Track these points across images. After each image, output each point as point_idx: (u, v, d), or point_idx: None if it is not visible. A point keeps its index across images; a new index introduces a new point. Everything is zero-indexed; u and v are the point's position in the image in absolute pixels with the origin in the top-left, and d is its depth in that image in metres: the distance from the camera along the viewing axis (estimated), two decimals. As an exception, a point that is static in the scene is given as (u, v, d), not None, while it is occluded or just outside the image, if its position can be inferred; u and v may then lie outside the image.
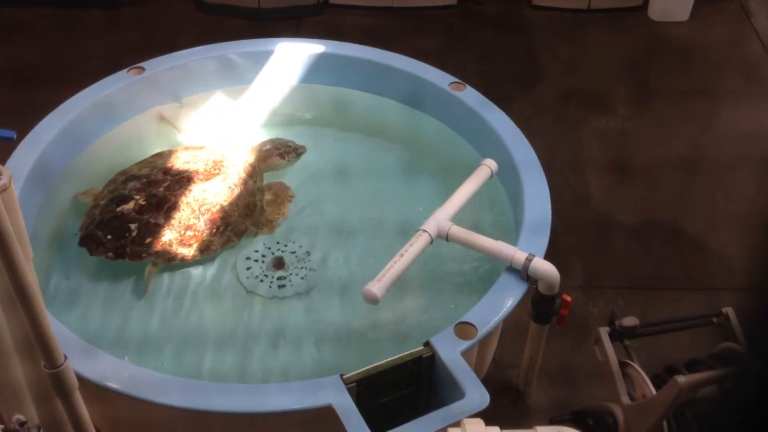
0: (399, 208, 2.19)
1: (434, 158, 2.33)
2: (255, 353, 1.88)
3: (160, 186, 2.09)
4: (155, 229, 2.01)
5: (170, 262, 2.00)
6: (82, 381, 1.38)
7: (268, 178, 2.25)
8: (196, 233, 2.03)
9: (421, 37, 3.16)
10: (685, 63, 3.12)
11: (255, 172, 2.20)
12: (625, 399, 1.74)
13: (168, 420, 1.67)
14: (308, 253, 2.08)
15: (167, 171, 2.14)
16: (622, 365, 1.77)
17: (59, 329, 1.63)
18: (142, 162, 2.21)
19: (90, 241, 2.01)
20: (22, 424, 1.17)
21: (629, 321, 1.79)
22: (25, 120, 2.12)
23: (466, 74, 2.37)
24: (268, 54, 2.41)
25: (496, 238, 1.82)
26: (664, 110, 2.91)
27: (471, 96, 2.26)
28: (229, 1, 3.21)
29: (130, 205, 2.05)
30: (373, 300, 1.70)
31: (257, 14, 3.22)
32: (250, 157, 2.22)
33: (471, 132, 2.26)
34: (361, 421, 1.51)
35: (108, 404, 1.70)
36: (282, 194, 2.19)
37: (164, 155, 2.22)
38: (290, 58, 2.42)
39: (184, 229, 2.03)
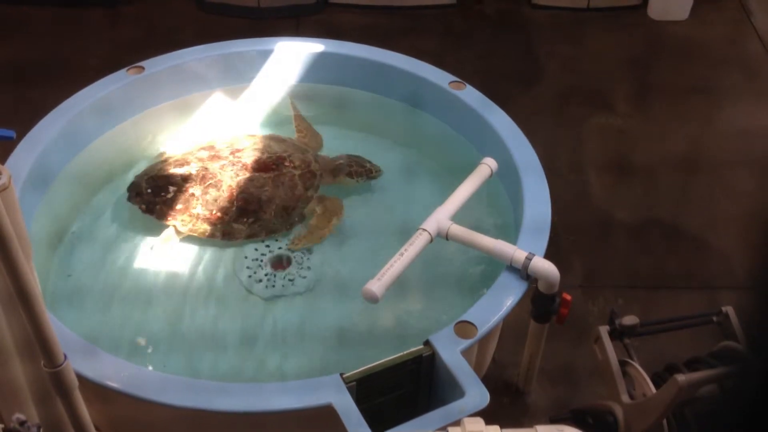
0: (399, 206, 2.19)
1: (434, 157, 2.33)
2: (255, 352, 1.88)
3: (217, 162, 2.13)
4: (189, 199, 2.08)
5: (191, 233, 2.05)
6: (83, 380, 1.38)
7: (333, 192, 2.19)
8: (225, 216, 2.06)
9: (421, 35, 3.16)
10: (684, 61, 3.12)
11: (313, 182, 2.15)
12: (625, 398, 1.74)
13: (168, 419, 1.67)
14: (308, 251, 2.07)
15: (234, 152, 2.17)
16: (622, 364, 1.77)
17: (59, 328, 1.63)
18: (233, 138, 2.24)
19: (133, 188, 2.13)
20: (22, 423, 1.17)
21: (629, 320, 1.79)
22: (25, 119, 2.12)
23: (465, 73, 2.37)
24: (267, 53, 2.41)
25: (496, 238, 1.82)
26: (664, 108, 2.91)
27: (471, 95, 2.25)
28: (228, 0, 3.21)
29: (182, 170, 2.13)
30: (372, 299, 1.70)
31: (257, 13, 3.22)
32: (315, 166, 2.17)
33: (471, 131, 2.26)
34: (361, 420, 1.51)
35: (108, 404, 1.70)
36: (330, 214, 2.12)
37: (252, 138, 2.24)
38: (290, 57, 2.42)
39: (216, 208, 2.06)
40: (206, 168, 2.13)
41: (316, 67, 2.42)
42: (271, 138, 2.26)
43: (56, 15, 3.20)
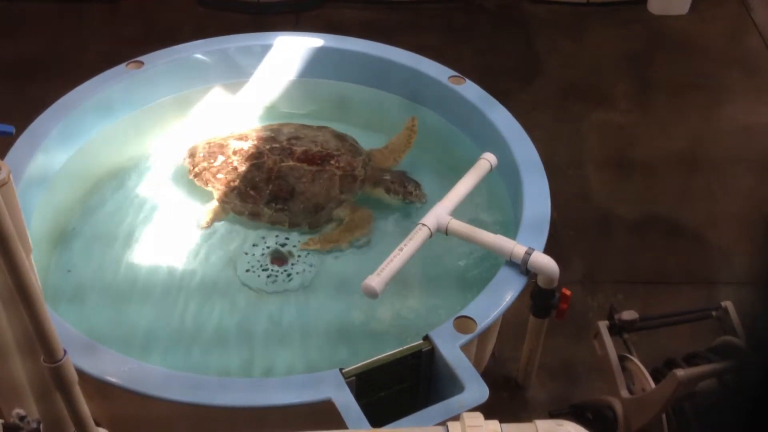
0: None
1: (434, 152, 2.33)
2: (254, 348, 1.88)
3: (270, 144, 2.17)
4: (231, 172, 2.13)
5: (222, 204, 2.12)
6: (83, 376, 1.38)
7: (375, 206, 2.17)
8: (256, 197, 2.09)
9: (421, 30, 3.16)
10: (684, 57, 3.12)
11: (351, 186, 2.13)
12: (624, 393, 1.74)
13: (168, 414, 1.67)
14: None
15: (291, 138, 2.18)
16: (621, 359, 1.77)
17: (59, 324, 1.63)
18: (299, 125, 2.26)
19: (191, 150, 2.22)
20: (21, 418, 1.17)
21: (628, 315, 1.80)
22: (24, 114, 2.12)
23: (465, 68, 2.37)
24: (267, 48, 2.41)
25: (496, 233, 1.82)
26: (664, 104, 2.91)
27: (470, 90, 2.25)
28: (228, -5, 3.21)
29: (238, 144, 2.18)
30: (372, 294, 1.70)
31: (256, 8, 3.22)
32: (360, 171, 2.15)
33: (470, 126, 2.26)
34: (361, 415, 1.51)
35: (109, 399, 1.70)
36: (353, 226, 2.10)
37: (317, 130, 2.24)
38: (289, 52, 2.42)
39: (250, 187, 2.10)
40: (258, 147, 2.16)
41: (316, 62, 2.42)
42: (334, 134, 2.24)
43: (56, 10, 3.19)
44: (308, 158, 2.13)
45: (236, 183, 2.12)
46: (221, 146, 2.20)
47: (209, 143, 2.22)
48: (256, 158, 2.14)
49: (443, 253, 2.04)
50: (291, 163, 2.12)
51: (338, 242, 2.06)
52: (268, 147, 2.16)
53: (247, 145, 2.18)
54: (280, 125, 2.28)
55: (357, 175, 2.14)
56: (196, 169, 2.17)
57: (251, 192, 2.10)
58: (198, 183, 2.16)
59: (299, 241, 2.08)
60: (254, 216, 2.10)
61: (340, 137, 2.23)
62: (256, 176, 2.11)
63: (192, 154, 2.21)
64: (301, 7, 3.23)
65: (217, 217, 2.12)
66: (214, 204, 2.14)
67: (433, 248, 2.01)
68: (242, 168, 2.14)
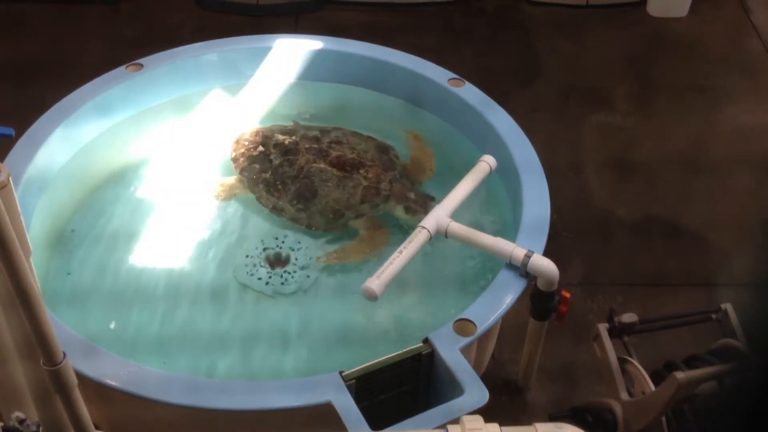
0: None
1: (433, 154, 2.33)
2: (254, 350, 1.88)
3: (310, 143, 2.19)
4: (264, 164, 2.17)
5: (250, 192, 2.16)
6: (82, 379, 1.38)
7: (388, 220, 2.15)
8: (281, 192, 2.11)
9: (420, 33, 3.16)
10: (684, 59, 3.12)
11: (374, 199, 2.11)
12: (624, 395, 1.74)
13: (167, 417, 1.67)
14: (308, 249, 2.07)
15: (332, 142, 2.20)
16: (621, 362, 1.77)
17: (59, 327, 1.63)
18: (349, 132, 2.28)
19: (239, 136, 2.26)
20: (21, 421, 1.17)
21: (628, 317, 1.80)
22: (24, 117, 2.12)
23: (465, 70, 2.37)
24: (266, 50, 2.41)
25: (495, 235, 1.82)
26: (664, 106, 2.91)
27: (470, 92, 2.25)
28: (227, -3, 3.21)
29: (281, 137, 2.23)
30: (372, 297, 1.70)
31: (256, 10, 3.22)
32: (386, 186, 2.13)
33: (470, 129, 2.26)
34: (361, 418, 1.51)
35: (108, 402, 1.70)
36: (371, 244, 2.08)
37: (363, 139, 2.25)
38: (289, 54, 2.42)
39: (279, 181, 2.12)
40: (298, 145, 2.19)
41: (316, 65, 2.42)
42: (377, 145, 2.23)
43: (55, 12, 3.19)
44: (339, 164, 2.14)
45: (267, 174, 2.15)
46: (266, 137, 2.24)
47: (256, 132, 2.26)
48: (292, 154, 2.17)
49: (443, 255, 2.04)
50: (322, 165, 2.14)
51: (352, 259, 2.05)
52: (307, 146, 2.19)
53: (289, 140, 2.21)
54: (333, 128, 2.29)
55: (381, 188, 2.13)
56: (235, 154, 2.22)
57: (279, 186, 2.13)
58: (233, 164, 2.20)
59: (307, 247, 2.07)
60: (277, 211, 2.12)
61: (383, 149, 2.23)
62: (287, 172, 2.14)
63: (238, 141, 2.25)
64: (301, 9, 3.24)
65: (231, 192, 2.17)
66: (233, 179, 2.19)
67: (433, 251, 2.01)
68: (276, 161, 2.16)
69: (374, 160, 2.17)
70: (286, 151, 2.18)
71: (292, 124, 2.33)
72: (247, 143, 2.23)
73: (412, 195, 2.14)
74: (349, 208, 2.09)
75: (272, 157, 2.18)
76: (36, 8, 3.20)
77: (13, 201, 1.14)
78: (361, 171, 2.13)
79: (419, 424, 1.50)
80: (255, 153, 2.19)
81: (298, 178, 2.12)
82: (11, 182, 1.13)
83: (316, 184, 2.11)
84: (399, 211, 2.12)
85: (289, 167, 2.14)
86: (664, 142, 2.76)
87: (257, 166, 2.17)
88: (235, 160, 2.22)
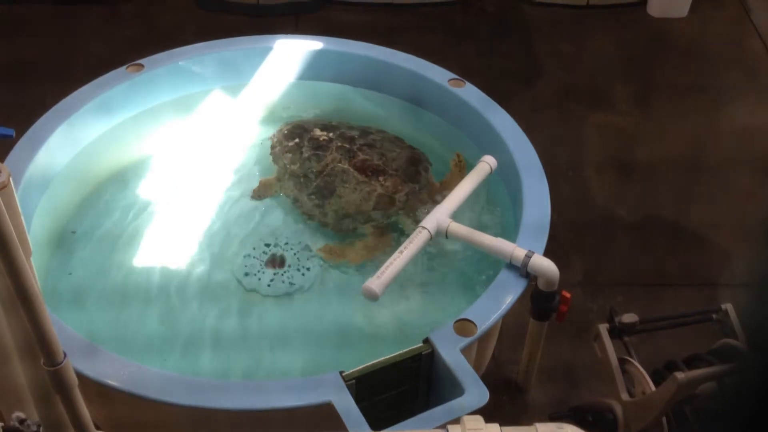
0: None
1: (434, 155, 2.33)
2: (254, 350, 1.88)
3: (344, 143, 2.20)
4: (294, 157, 2.20)
5: (276, 182, 2.21)
6: (83, 379, 1.38)
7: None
8: (304, 185, 2.15)
9: (421, 33, 3.16)
10: (684, 59, 3.12)
11: (386, 208, 2.10)
12: (625, 395, 1.74)
13: (168, 417, 1.67)
14: (308, 250, 2.07)
15: (363, 145, 2.20)
16: (622, 362, 1.77)
17: (59, 327, 1.63)
18: (388, 137, 2.27)
19: (279, 127, 2.31)
20: (21, 421, 1.17)
21: (628, 318, 1.80)
22: (24, 117, 2.12)
23: (465, 70, 2.37)
24: (267, 50, 2.41)
25: (496, 235, 1.82)
26: (664, 106, 2.91)
27: (470, 92, 2.25)
28: (228, -2, 3.21)
29: (318, 132, 2.25)
30: (372, 297, 1.70)
31: (256, 11, 3.22)
32: (401, 197, 2.11)
33: (470, 129, 2.26)
34: (361, 418, 1.51)
35: (109, 402, 1.70)
36: (372, 247, 2.07)
37: (399, 146, 2.24)
38: (289, 54, 2.42)
39: (302, 176, 2.16)
40: (331, 142, 2.20)
41: (316, 65, 2.42)
42: (409, 156, 2.20)
43: (56, 12, 3.19)
44: (362, 167, 2.14)
45: (295, 166, 2.17)
46: (304, 129, 2.26)
47: (297, 124, 2.30)
48: (322, 150, 2.18)
49: (443, 255, 2.04)
50: (346, 166, 2.14)
51: (350, 259, 2.05)
52: (338, 144, 2.20)
53: (324, 137, 2.23)
54: (376, 131, 2.28)
55: (396, 199, 2.11)
56: (273, 142, 2.27)
57: (302, 179, 2.15)
58: (271, 157, 2.24)
59: (308, 244, 2.07)
60: (297, 202, 2.15)
61: (414, 161, 2.20)
62: (313, 167, 2.16)
63: (280, 130, 2.29)
64: (301, 9, 3.24)
65: (267, 192, 2.21)
66: (271, 177, 2.23)
67: (434, 251, 2.01)
68: (306, 155, 2.18)
69: (398, 170, 2.15)
70: (318, 146, 2.20)
71: (335, 121, 2.34)
72: (286, 132, 2.27)
73: (425, 210, 2.10)
74: (359, 212, 2.09)
75: (303, 150, 2.20)
76: (36, 8, 3.20)
77: (14, 201, 1.15)
78: (381, 178, 2.12)
79: (419, 424, 1.51)
80: (290, 144, 2.22)
81: (321, 174, 2.14)
82: (12, 182, 1.13)
83: (335, 184, 2.12)
84: (408, 225, 2.10)
85: (315, 162, 2.16)
86: (664, 142, 2.76)
87: (290, 155, 2.21)
88: (272, 147, 2.27)
